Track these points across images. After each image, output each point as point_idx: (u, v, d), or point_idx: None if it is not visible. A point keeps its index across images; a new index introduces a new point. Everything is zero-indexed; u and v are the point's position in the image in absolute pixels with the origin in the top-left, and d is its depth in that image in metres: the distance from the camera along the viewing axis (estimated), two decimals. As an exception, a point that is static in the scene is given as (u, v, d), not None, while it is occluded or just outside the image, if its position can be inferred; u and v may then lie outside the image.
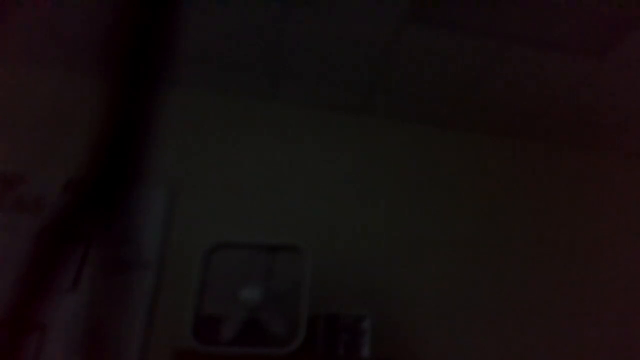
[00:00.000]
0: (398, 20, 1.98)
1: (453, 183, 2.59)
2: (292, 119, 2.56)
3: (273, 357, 1.69)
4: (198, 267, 1.79)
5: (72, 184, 2.08)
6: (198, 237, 2.09)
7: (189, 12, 1.97)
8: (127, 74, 0.80)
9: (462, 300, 2.34)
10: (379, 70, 2.29)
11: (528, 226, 2.56)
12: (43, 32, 2.16)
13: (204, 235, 2.10)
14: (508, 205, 2.60)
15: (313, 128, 2.57)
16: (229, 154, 2.42)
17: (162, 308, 2.05)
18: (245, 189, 2.36)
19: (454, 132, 2.69)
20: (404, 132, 2.65)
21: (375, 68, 2.28)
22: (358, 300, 2.21)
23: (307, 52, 2.20)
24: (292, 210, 2.36)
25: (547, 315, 2.38)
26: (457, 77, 2.30)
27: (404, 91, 2.43)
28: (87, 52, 2.23)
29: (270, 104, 2.55)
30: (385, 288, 2.28)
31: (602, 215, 2.66)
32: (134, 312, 2.02)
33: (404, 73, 2.29)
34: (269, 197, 2.37)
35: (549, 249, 2.53)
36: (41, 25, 2.12)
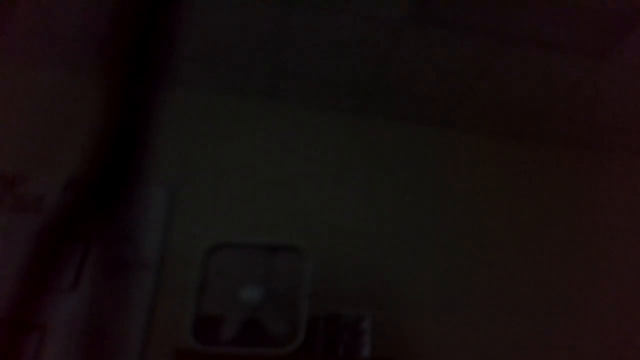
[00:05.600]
0: (398, 21, 1.98)
1: (453, 183, 2.59)
2: (292, 119, 2.56)
3: (273, 357, 1.69)
4: (198, 267, 1.79)
5: (72, 184, 2.08)
6: (198, 237, 2.08)
7: (189, 11, 1.97)
8: (127, 74, 0.80)
9: (462, 300, 2.33)
10: (379, 70, 2.29)
11: (528, 226, 2.56)
12: (43, 32, 2.16)
13: (204, 235, 2.10)
14: (508, 205, 2.59)
15: (313, 128, 2.57)
16: (229, 154, 2.42)
17: (162, 308, 2.05)
18: (245, 189, 2.36)
19: (453, 132, 2.69)
20: (404, 132, 2.65)
21: (375, 68, 2.27)
22: (358, 300, 2.21)
23: (307, 53, 2.20)
24: (292, 210, 2.36)
25: (547, 315, 2.38)
26: (457, 77, 2.30)
27: (403, 91, 2.43)
28: (87, 52, 2.22)
29: (270, 104, 2.55)
30: (385, 288, 2.28)
31: (601, 214, 2.66)
32: (134, 312, 2.02)
33: (403, 73, 2.29)
34: (269, 197, 2.37)
35: (549, 249, 2.53)
36: (41, 25, 2.12)
